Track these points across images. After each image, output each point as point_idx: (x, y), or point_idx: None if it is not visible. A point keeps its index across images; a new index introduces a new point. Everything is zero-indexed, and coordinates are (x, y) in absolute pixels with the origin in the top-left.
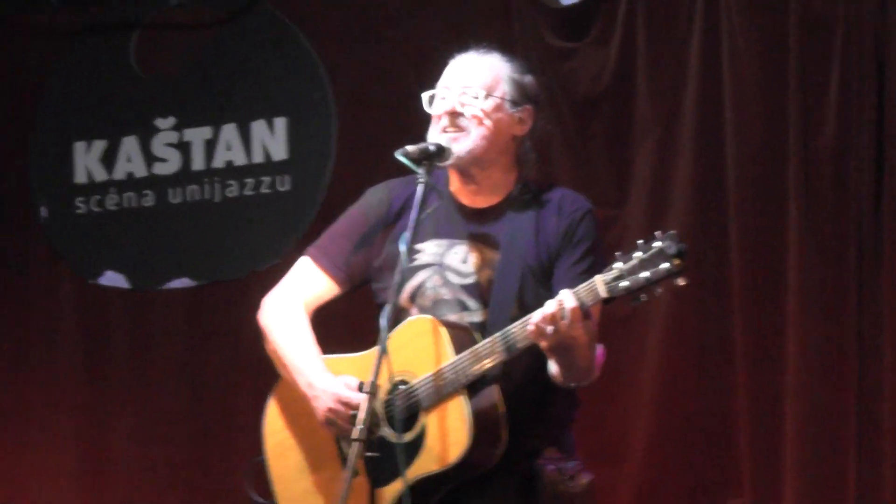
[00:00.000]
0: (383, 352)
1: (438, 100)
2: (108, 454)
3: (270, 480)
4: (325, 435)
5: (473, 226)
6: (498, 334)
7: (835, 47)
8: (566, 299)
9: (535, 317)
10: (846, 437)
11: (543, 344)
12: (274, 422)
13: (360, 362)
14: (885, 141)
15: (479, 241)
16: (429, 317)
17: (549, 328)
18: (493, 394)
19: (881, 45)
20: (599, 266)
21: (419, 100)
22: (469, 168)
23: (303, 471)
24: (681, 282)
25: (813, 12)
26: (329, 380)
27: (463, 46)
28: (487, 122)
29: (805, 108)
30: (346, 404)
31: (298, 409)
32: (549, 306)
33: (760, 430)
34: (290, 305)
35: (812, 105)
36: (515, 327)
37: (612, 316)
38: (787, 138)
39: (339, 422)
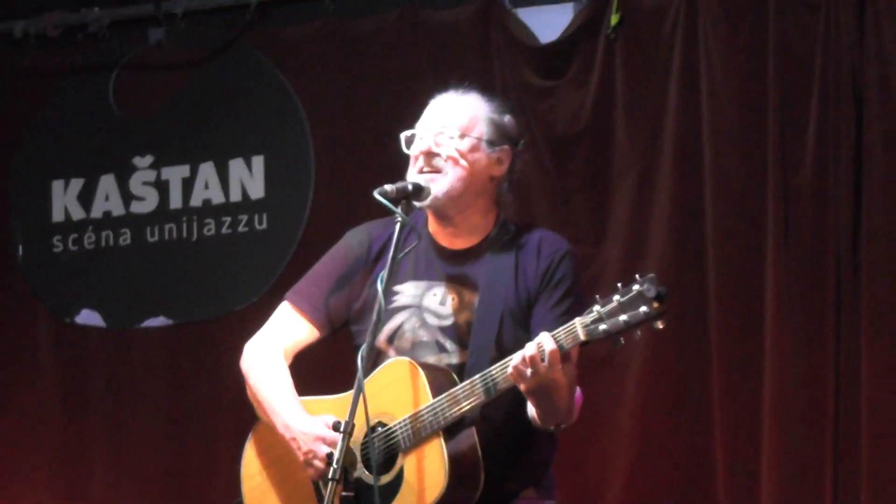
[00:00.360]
0: (360, 391)
1: (416, 140)
2: (87, 493)
3: None
4: (303, 477)
5: (452, 267)
6: (477, 376)
7: (813, 84)
8: (545, 342)
9: (515, 359)
10: (823, 479)
11: (523, 386)
12: (251, 464)
13: (339, 404)
14: (862, 178)
15: (457, 282)
16: (407, 359)
17: (529, 371)
18: (470, 437)
19: (859, 83)
20: (578, 307)
21: (398, 140)
22: (446, 209)
23: None
24: (659, 325)
25: (791, 50)
26: (306, 420)
27: (442, 87)
28: (463, 163)
29: (784, 144)
30: (323, 440)
31: (276, 452)
32: (529, 349)
33: (738, 470)
34: (268, 351)
35: (791, 141)
36: (495, 369)
37: (591, 357)
38: (765, 175)
39: (315, 462)
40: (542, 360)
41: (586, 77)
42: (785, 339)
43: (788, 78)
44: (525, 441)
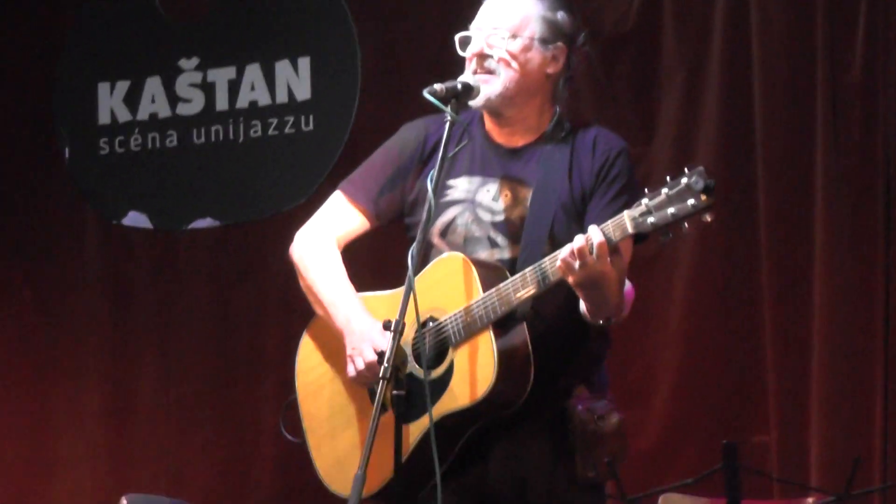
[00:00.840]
0: (410, 289)
1: (470, 41)
2: (136, 394)
3: (301, 418)
4: None
5: (507, 164)
6: (529, 268)
7: None
8: (593, 234)
9: (564, 252)
10: (873, 375)
11: (571, 279)
12: (306, 360)
13: (391, 300)
14: None
15: (511, 179)
16: (460, 255)
17: (577, 263)
18: (521, 331)
19: None
20: (633, 205)
21: (445, 38)
22: (501, 109)
23: (333, 409)
24: (707, 218)
25: None
26: (365, 320)
27: None
28: (515, 64)
29: (832, 45)
30: (373, 343)
31: (331, 348)
32: (577, 241)
33: (787, 368)
34: (322, 241)
35: (840, 43)
36: (546, 261)
37: (638, 255)
38: (814, 76)
39: (358, 361)
40: (591, 252)
41: None
42: (834, 238)
43: None
44: (577, 337)
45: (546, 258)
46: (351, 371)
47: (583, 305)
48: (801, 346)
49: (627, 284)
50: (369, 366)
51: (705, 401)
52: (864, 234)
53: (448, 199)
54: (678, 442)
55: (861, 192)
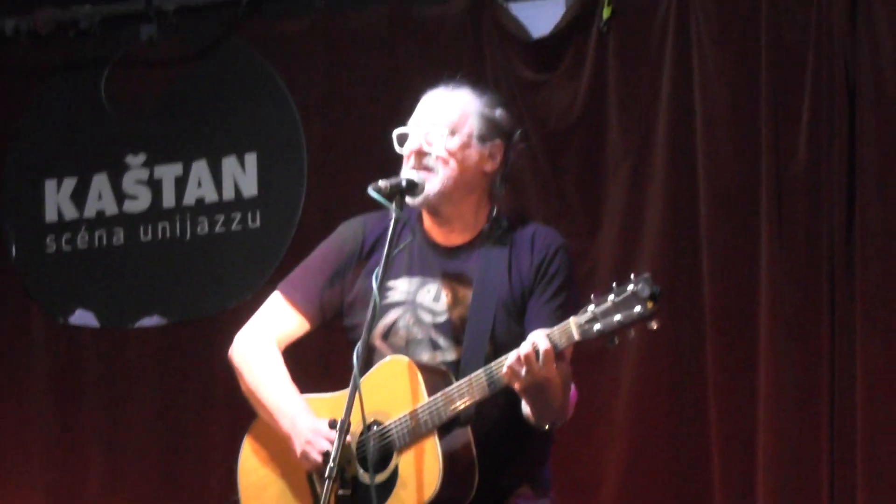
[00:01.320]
0: (355, 390)
1: (408, 138)
2: (81, 493)
3: None
4: (300, 475)
5: (446, 263)
6: (480, 371)
7: (806, 75)
8: (539, 341)
9: (510, 358)
10: (818, 468)
11: (517, 385)
12: (248, 461)
13: (336, 402)
14: (856, 168)
15: (451, 278)
16: (405, 358)
17: (523, 369)
18: (465, 435)
19: (852, 73)
20: (573, 303)
21: (391, 136)
22: (439, 207)
23: None
24: (654, 325)
25: (784, 41)
26: (312, 418)
27: (434, 82)
28: (453, 162)
29: (777, 136)
30: (323, 436)
31: (274, 449)
32: (524, 348)
33: (733, 462)
34: (262, 343)
35: (784, 133)
36: (493, 366)
37: (585, 351)
38: (759, 166)
39: (312, 455)
40: (537, 359)
41: (579, 70)
42: (779, 331)
43: (781, 70)
44: (520, 438)
45: (493, 363)
46: (307, 465)
47: (527, 409)
48: (746, 438)
49: (571, 387)
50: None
51: (652, 496)
52: (808, 323)
53: (388, 300)
54: None
55: (805, 281)
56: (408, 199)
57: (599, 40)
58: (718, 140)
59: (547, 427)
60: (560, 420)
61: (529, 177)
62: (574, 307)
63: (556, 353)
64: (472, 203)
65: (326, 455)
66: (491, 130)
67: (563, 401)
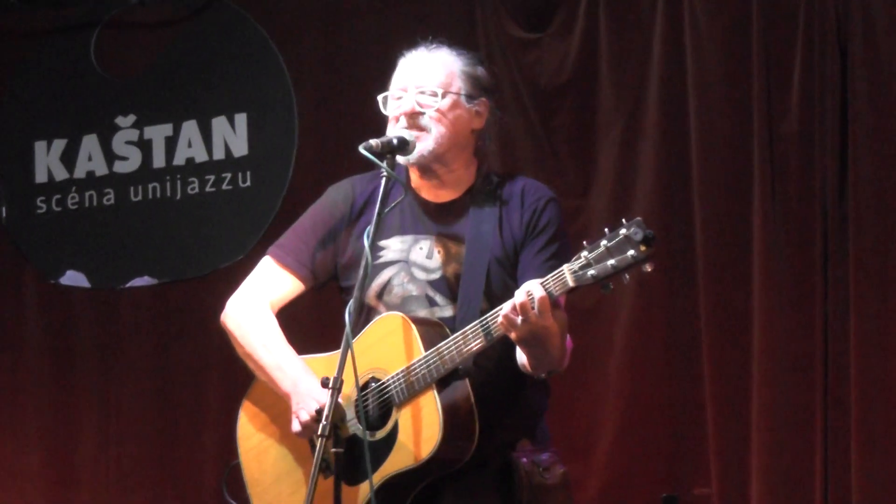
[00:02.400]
0: (347, 347)
1: (393, 101)
2: (75, 454)
3: (245, 483)
4: (299, 438)
5: (437, 220)
6: (473, 324)
7: (797, 33)
8: (534, 289)
9: (506, 308)
10: (812, 427)
11: (514, 335)
12: (247, 426)
13: (332, 361)
14: (848, 126)
15: (443, 235)
16: (399, 314)
17: (519, 318)
18: (464, 388)
19: (843, 30)
20: (565, 252)
21: (380, 94)
22: (432, 165)
23: (278, 474)
24: (648, 268)
25: None
26: (313, 382)
27: (411, 44)
28: (446, 121)
29: (769, 95)
30: (316, 399)
31: (274, 412)
32: (518, 297)
33: (727, 419)
34: (256, 306)
35: (776, 91)
36: (489, 317)
37: (579, 306)
38: (751, 125)
39: (302, 414)
40: (532, 307)
41: (570, 29)
42: (773, 286)
43: (772, 27)
44: (518, 390)
45: (488, 314)
46: (295, 426)
47: (523, 359)
48: (741, 397)
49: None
50: (313, 418)
51: (646, 453)
52: (803, 282)
53: (382, 260)
54: (620, 495)
55: (799, 239)
56: (399, 158)
57: None
58: (710, 98)
59: (543, 376)
60: (557, 368)
61: (522, 136)
62: (566, 257)
63: (552, 300)
64: (462, 161)
65: (319, 413)
66: (476, 88)
67: (560, 349)
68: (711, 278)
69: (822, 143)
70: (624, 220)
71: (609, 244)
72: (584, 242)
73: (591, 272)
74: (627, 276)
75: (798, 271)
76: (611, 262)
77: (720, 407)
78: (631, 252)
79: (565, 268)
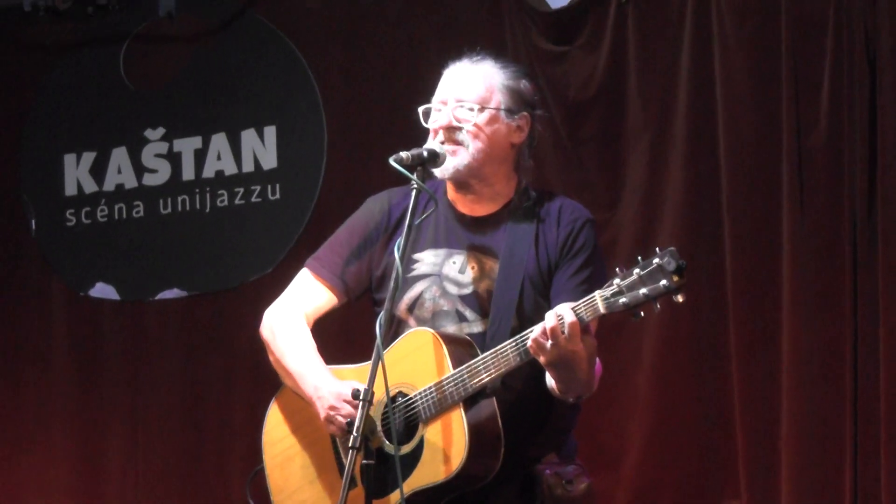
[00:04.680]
0: (378, 360)
1: (434, 113)
2: (103, 466)
3: (269, 490)
4: (325, 446)
5: (472, 235)
6: (504, 344)
7: (826, 45)
8: (565, 314)
9: (536, 331)
10: (842, 438)
11: (542, 359)
12: (273, 432)
13: (360, 372)
14: (877, 138)
15: (477, 250)
16: (429, 329)
17: (549, 343)
18: (490, 407)
19: (872, 43)
20: (599, 277)
21: (410, 106)
22: (468, 180)
23: (301, 482)
24: (679, 298)
25: (804, 11)
26: (335, 382)
27: (454, 54)
28: (483, 136)
29: (797, 108)
30: (348, 403)
31: (298, 420)
32: (549, 321)
33: (756, 432)
34: (290, 317)
35: (804, 104)
36: (519, 338)
37: (607, 321)
38: (780, 138)
39: (338, 419)
40: (563, 332)
41: (598, 42)
42: (801, 298)
43: (801, 39)
44: (546, 409)
45: (519, 336)
46: (332, 429)
47: (551, 382)
48: (770, 408)
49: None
50: (342, 427)
51: (675, 465)
52: (832, 294)
53: (414, 273)
54: None
55: (828, 251)
56: (435, 171)
57: (619, 11)
58: (739, 111)
59: (571, 400)
60: (585, 392)
61: (550, 149)
62: (600, 281)
63: (582, 326)
64: (500, 175)
65: (350, 424)
66: (517, 103)
67: (588, 374)
68: (740, 290)
69: (850, 156)
70: (658, 250)
71: (642, 273)
72: (617, 269)
73: (622, 300)
74: (658, 306)
75: (827, 282)
76: (643, 290)
77: (749, 418)
78: (663, 282)
79: (597, 294)
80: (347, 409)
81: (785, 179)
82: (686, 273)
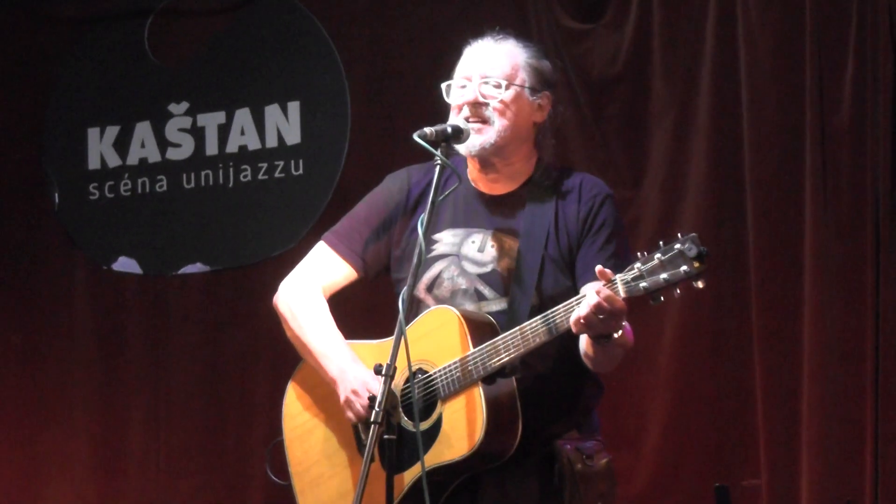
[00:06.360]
0: (401, 335)
1: (457, 89)
2: (124, 441)
3: (288, 462)
4: (344, 421)
5: (491, 213)
6: (536, 320)
7: (850, 26)
8: (602, 290)
9: (583, 309)
10: (863, 417)
11: (591, 332)
12: (293, 405)
13: (380, 348)
14: None
15: (497, 229)
16: (450, 308)
17: (599, 317)
18: (509, 386)
19: None
20: (623, 251)
21: (433, 83)
22: (491, 157)
23: (319, 455)
24: (699, 284)
25: None
26: (361, 369)
27: (477, 32)
28: (509, 113)
29: (821, 87)
30: (367, 386)
31: (318, 395)
32: (591, 297)
33: (777, 411)
34: (308, 290)
35: (828, 84)
36: (552, 312)
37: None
38: (803, 118)
39: (356, 405)
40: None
41: (622, 20)
42: (824, 279)
43: (825, 20)
44: (568, 388)
45: (553, 310)
46: (351, 416)
47: (590, 351)
48: (790, 388)
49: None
50: (365, 407)
51: (696, 444)
52: (853, 274)
53: (433, 253)
54: (669, 486)
55: (850, 232)
56: (459, 147)
57: None
58: (762, 90)
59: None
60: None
61: (573, 127)
62: (624, 255)
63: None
64: (522, 154)
65: (372, 400)
66: (540, 82)
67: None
68: (762, 270)
69: (874, 137)
70: (679, 235)
71: (663, 258)
72: (638, 253)
73: (643, 284)
74: (678, 290)
75: (849, 264)
76: (663, 275)
77: (770, 399)
78: (684, 268)
79: (618, 278)
80: (366, 393)
81: (808, 159)
82: (707, 259)
